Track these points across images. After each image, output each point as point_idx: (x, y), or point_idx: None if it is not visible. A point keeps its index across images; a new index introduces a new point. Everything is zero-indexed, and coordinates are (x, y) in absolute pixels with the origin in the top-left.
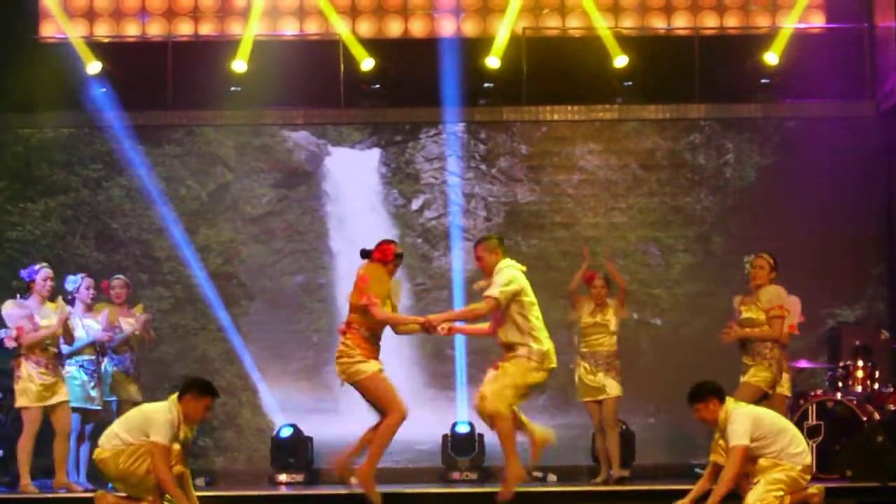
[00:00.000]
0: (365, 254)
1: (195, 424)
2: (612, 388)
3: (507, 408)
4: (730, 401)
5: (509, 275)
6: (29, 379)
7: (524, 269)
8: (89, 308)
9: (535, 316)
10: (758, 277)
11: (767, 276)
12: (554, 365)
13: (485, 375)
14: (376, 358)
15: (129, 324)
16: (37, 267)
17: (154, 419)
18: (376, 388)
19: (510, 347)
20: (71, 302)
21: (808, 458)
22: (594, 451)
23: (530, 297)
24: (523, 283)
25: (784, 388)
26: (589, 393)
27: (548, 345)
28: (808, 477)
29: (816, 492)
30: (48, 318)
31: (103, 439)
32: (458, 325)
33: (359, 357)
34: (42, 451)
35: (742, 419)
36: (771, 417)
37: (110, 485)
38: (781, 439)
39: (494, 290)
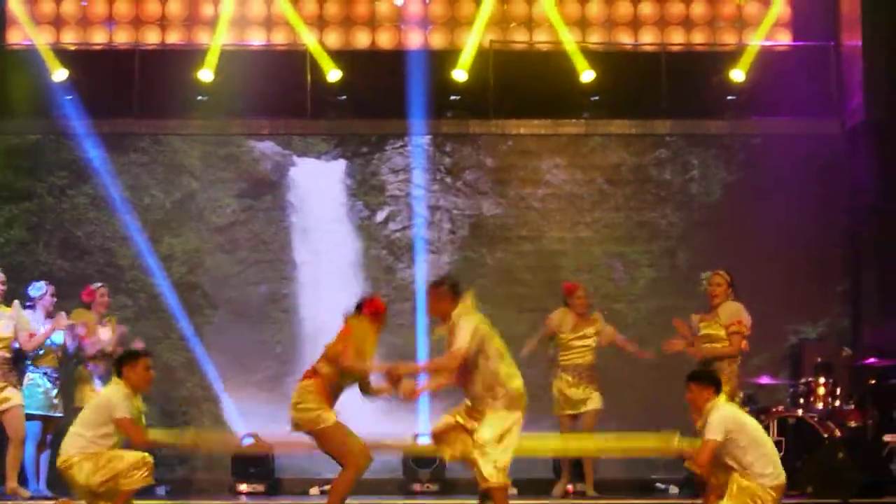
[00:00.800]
0: (353, 310)
1: (146, 389)
2: (595, 400)
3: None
4: (723, 396)
5: (470, 327)
6: None
7: (482, 317)
8: (50, 315)
9: (504, 362)
10: (717, 295)
11: (726, 293)
12: (524, 404)
13: (447, 390)
14: (332, 411)
15: (104, 332)
16: None
17: (110, 400)
18: (337, 438)
19: (477, 399)
20: (31, 307)
21: (781, 479)
22: (558, 463)
23: (496, 343)
24: (485, 330)
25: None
26: (570, 405)
27: (516, 384)
28: (779, 496)
29: None
30: (1, 320)
31: (66, 445)
32: (421, 382)
33: (319, 406)
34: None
35: (723, 415)
36: (754, 426)
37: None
38: (754, 452)
39: (461, 343)
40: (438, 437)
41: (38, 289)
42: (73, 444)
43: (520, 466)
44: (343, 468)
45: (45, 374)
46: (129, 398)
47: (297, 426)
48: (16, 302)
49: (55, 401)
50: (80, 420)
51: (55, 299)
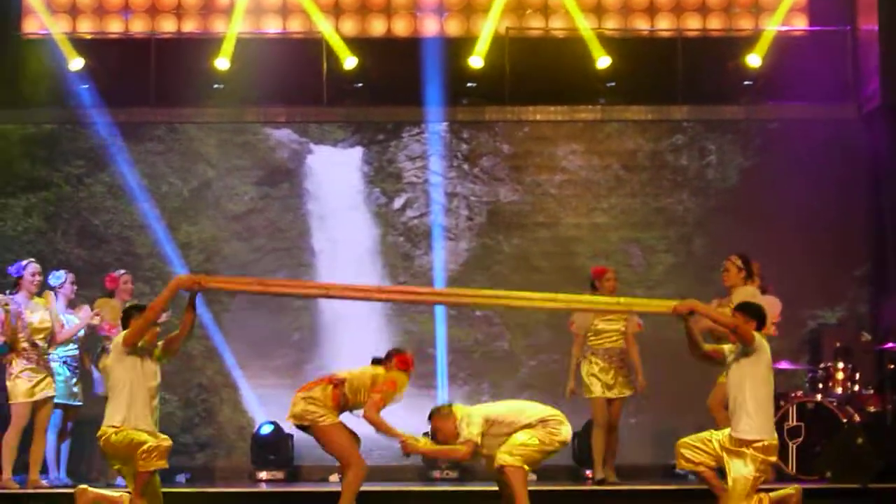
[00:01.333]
0: (378, 361)
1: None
2: (627, 387)
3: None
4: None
5: (469, 419)
6: (19, 375)
7: (477, 409)
8: (71, 303)
9: (507, 424)
10: (727, 279)
11: (738, 277)
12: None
13: (462, 375)
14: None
15: None
16: (24, 262)
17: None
18: (338, 437)
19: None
20: (56, 297)
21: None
22: (580, 450)
23: (497, 412)
24: (481, 418)
25: None
26: (604, 390)
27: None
28: (773, 459)
29: (794, 491)
30: (38, 312)
31: (108, 418)
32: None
33: (326, 407)
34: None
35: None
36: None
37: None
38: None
39: (472, 436)
40: None
41: (57, 277)
42: (111, 417)
43: None
44: (344, 470)
45: (64, 362)
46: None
47: (297, 417)
48: (50, 293)
49: (74, 389)
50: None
51: (75, 287)
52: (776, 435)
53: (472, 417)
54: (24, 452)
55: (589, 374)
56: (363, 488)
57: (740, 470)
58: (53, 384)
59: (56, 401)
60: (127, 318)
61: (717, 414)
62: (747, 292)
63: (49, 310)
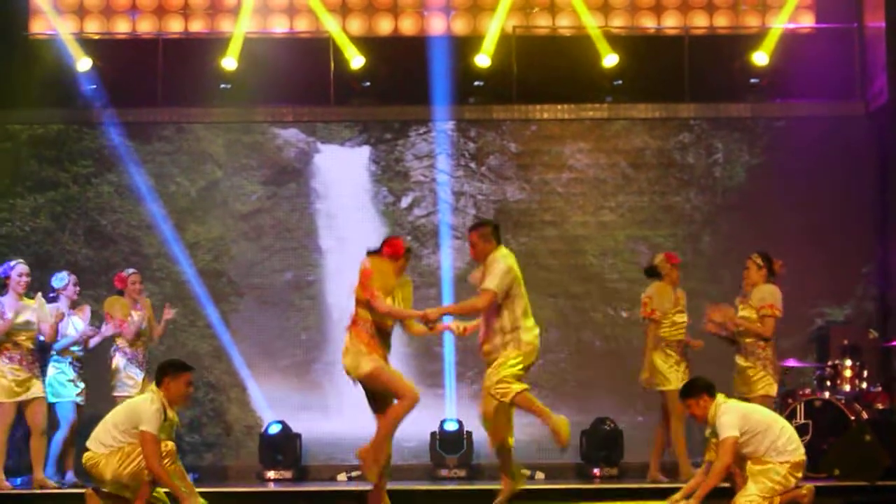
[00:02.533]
0: (372, 252)
1: (183, 405)
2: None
3: (513, 379)
4: (720, 396)
5: (503, 266)
6: (3, 374)
7: (513, 256)
8: (74, 305)
9: (525, 314)
10: (748, 277)
11: (759, 275)
12: (533, 360)
13: (470, 374)
14: (380, 353)
15: (139, 316)
16: (11, 263)
17: (141, 410)
18: (382, 381)
19: (492, 349)
20: (55, 299)
21: (800, 455)
22: (588, 447)
23: (521, 291)
24: (517, 275)
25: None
26: (678, 384)
27: (530, 338)
28: (799, 474)
29: (806, 492)
30: (23, 313)
31: (92, 442)
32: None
33: (363, 350)
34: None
35: (731, 412)
36: (760, 413)
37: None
38: (770, 435)
39: (491, 284)
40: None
41: (60, 279)
42: (102, 441)
43: (547, 453)
44: (399, 399)
45: (70, 363)
46: (160, 412)
47: (347, 372)
48: (38, 294)
49: (77, 388)
50: (112, 417)
51: (78, 288)
52: (803, 451)
53: (505, 271)
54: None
55: (667, 365)
56: (370, 488)
57: (769, 471)
58: (42, 384)
59: (66, 399)
60: (161, 374)
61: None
62: (766, 290)
63: (35, 310)
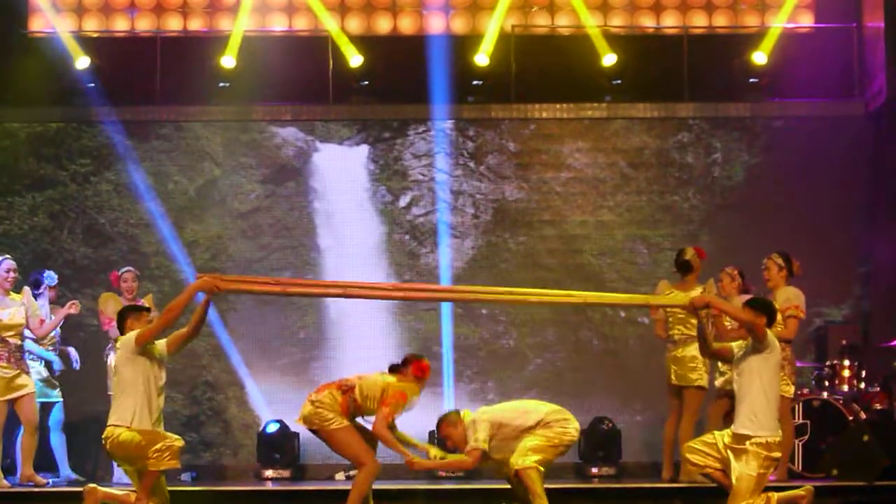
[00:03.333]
0: (394, 368)
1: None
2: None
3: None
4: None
5: (476, 425)
6: None
7: (482, 414)
8: (53, 301)
9: (522, 416)
10: (769, 279)
11: (780, 276)
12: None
13: (469, 373)
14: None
15: None
16: None
17: (125, 340)
18: (347, 439)
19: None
20: (42, 295)
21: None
22: (587, 447)
23: (503, 415)
24: (487, 423)
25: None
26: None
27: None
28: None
29: (805, 493)
30: (9, 309)
31: (111, 417)
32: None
33: (338, 411)
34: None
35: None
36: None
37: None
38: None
39: (478, 442)
40: None
41: (52, 278)
42: (119, 416)
43: None
44: (358, 469)
45: (43, 363)
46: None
47: (307, 421)
48: (25, 289)
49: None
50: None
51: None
52: (780, 432)
53: (478, 424)
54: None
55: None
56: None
57: (743, 468)
58: (31, 380)
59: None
60: (122, 318)
61: (712, 423)
62: (791, 292)
63: (24, 306)
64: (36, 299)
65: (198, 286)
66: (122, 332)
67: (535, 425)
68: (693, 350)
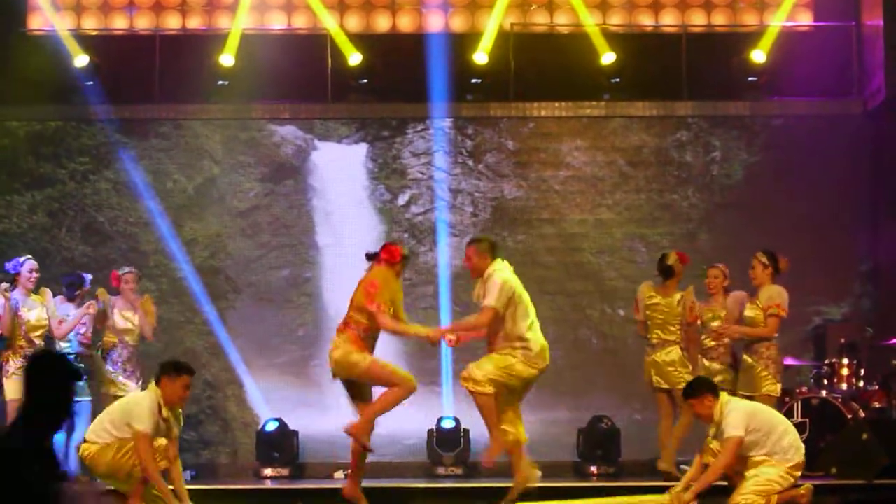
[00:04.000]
0: (370, 256)
1: (178, 406)
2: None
3: (488, 381)
4: (724, 395)
5: (498, 281)
6: (15, 372)
7: (511, 269)
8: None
9: (529, 321)
10: (754, 277)
11: (764, 274)
12: (545, 363)
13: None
14: (369, 353)
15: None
16: (21, 259)
17: (135, 408)
18: (378, 373)
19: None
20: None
21: (801, 457)
22: (584, 446)
23: (524, 301)
24: (514, 284)
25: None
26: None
27: (537, 346)
28: (798, 474)
29: (804, 491)
30: (35, 310)
31: (90, 434)
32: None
33: (354, 349)
34: None
35: (737, 411)
36: (765, 413)
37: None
38: (774, 435)
39: (491, 300)
40: None
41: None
42: (97, 436)
43: (542, 449)
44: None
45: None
46: (154, 412)
47: (336, 374)
48: (45, 290)
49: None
50: (108, 413)
51: (33, 274)
52: (804, 452)
53: (501, 287)
54: None
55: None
56: (367, 484)
57: (762, 470)
58: None
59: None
60: (160, 373)
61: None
62: (774, 290)
63: (46, 307)
64: (74, 300)
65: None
66: (157, 383)
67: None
68: (672, 356)
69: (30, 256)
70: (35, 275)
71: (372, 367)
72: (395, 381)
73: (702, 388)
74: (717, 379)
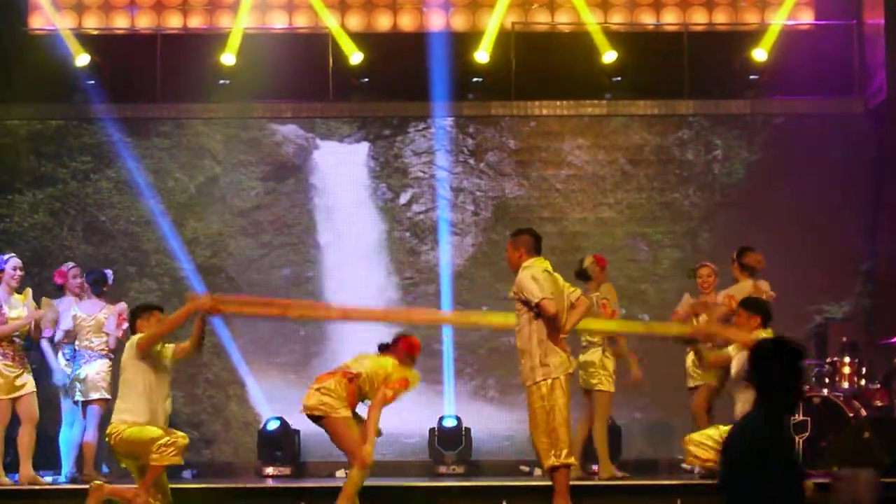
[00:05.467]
0: (384, 347)
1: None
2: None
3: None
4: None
5: (528, 276)
6: None
7: (549, 267)
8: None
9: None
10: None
11: (734, 270)
12: (570, 370)
13: (469, 370)
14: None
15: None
16: (5, 256)
17: (130, 342)
18: (348, 431)
19: (520, 353)
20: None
21: None
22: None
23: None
24: (545, 283)
25: None
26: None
27: (558, 358)
28: None
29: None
30: (17, 308)
31: (119, 414)
32: None
33: (340, 401)
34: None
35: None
36: None
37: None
38: None
39: (535, 294)
40: None
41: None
42: (123, 412)
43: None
44: (351, 464)
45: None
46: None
47: (311, 408)
48: (28, 289)
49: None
50: (120, 390)
51: (17, 272)
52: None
53: (525, 278)
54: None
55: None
56: (369, 483)
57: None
58: (31, 378)
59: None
60: (133, 318)
61: (699, 418)
62: (743, 288)
63: (26, 305)
64: (100, 297)
65: (194, 307)
66: (133, 332)
67: None
68: (593, 356)
69: (13, 255)
70: (19, 273)
71: (344, 423)
72: (350, 448)
73: (761, 309)
74: (710, 375)
